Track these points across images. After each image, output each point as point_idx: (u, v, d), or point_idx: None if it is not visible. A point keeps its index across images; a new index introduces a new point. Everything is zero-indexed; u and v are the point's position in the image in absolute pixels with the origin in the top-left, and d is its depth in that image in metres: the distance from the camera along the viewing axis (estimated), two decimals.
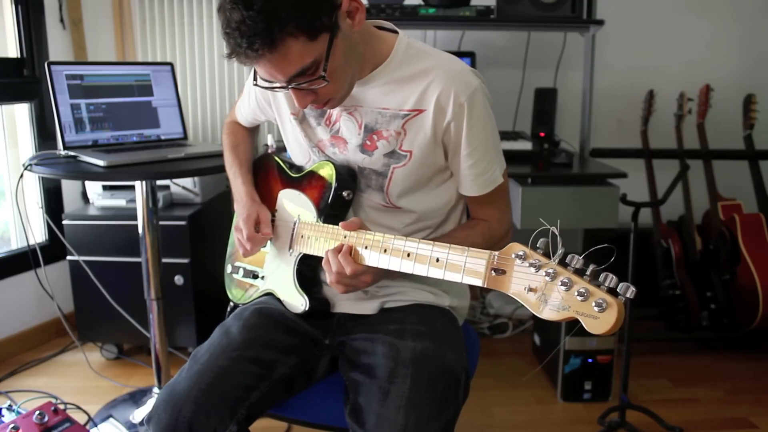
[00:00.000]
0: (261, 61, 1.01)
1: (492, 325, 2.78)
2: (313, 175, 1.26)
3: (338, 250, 1.11)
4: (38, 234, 2.58)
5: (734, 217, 2.53)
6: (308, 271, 1.27)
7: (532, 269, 0.88)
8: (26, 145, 2.58)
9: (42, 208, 2.57)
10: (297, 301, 1.25)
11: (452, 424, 1.10)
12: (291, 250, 1.27)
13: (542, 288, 0.87)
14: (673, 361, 2.49)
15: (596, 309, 0.82)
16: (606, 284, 0.83)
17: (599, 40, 2.47)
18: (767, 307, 2.39)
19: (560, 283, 0.85)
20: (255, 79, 1.10)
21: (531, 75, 2.74)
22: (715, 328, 2.52)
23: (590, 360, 2.14)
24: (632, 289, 0.81)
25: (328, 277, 1.12)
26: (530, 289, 0.88)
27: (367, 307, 1.25)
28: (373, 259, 1.09)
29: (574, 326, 0.86)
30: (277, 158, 1.40)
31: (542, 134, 2.44)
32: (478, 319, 2.81)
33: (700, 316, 2.53)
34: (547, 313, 0.86)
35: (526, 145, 2.28)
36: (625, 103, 2.78)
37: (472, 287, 1.44)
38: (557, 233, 0.86)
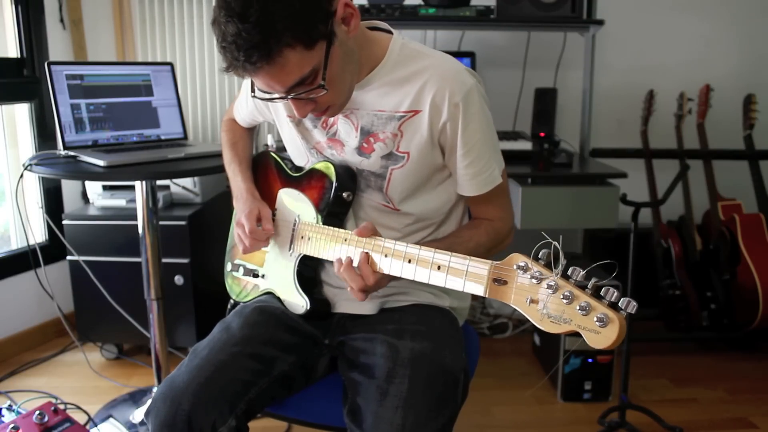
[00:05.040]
0: (259, 74, 1.00)
1: (492, 325, 2.78)
2: (313, 175, 1.26)
3: (350, 262, 1.09)
4: (38, 234, 2.58)
5: (734, 217, 2.53)
6: (308, 271, 1.27)
7: (534, 281, 0.88)
8: (26, 145, 2.58)
9: (42, 208, 2.57)
10: (298, 302, 1.25)
11: (450, 425, 1.10)
12: (291, 251, 1.27)
13: (544, 300, 0.87)
14: (673, 361, 2.49)
15: (598, 324, 0.82)
16: (608, 299, 0.83)
17: (599, 40, 2.47)
18: (767, 307, 2.40)
19: (562, 296, 0.85)
20: (253, 90, 1.09)
21: (531, 75, 2.73)
22: (715, 328, 2.52)
23: (590, 360, 2.14)
24: (633, 304, 0.81)
25: (350, 288, 1.10)
26: (532, 301, 0.88)
27: (367, 307, 1.25)
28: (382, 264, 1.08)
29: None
30: (275, 156, 1.39)
31: (542, 134, 2.43)
32: (478, 319, 2.81)
33: (700, 316, 2.52)
34: (549, 326, 0.87)
35: (526, 145, 2.28)
36: (625, 103, 2.77)
37: None
38: (559, 247, 0.86)
